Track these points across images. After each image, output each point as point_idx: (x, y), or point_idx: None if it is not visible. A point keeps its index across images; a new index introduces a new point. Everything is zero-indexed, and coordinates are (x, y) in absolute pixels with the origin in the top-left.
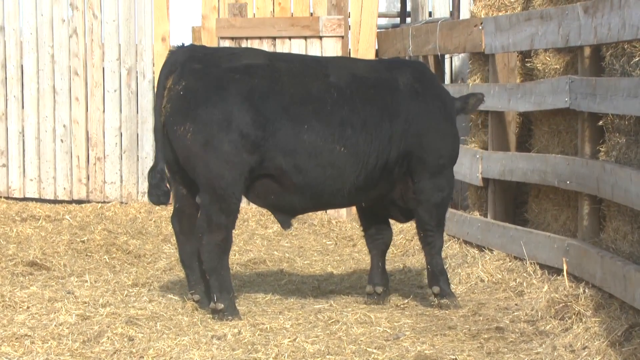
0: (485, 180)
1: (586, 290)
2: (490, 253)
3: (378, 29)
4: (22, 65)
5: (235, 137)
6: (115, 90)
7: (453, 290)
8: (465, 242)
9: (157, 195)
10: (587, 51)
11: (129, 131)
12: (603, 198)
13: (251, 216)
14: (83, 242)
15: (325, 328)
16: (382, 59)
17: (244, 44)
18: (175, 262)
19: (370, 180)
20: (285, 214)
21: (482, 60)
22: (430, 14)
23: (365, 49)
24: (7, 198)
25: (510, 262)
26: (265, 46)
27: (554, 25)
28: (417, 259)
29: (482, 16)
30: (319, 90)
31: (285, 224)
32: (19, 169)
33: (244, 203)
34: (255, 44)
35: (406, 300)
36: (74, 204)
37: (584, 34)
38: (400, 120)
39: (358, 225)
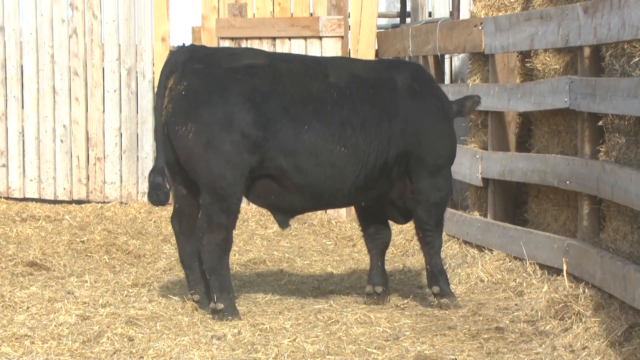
0: (485, 180)
1: (586, 291)
2: (490, 253)
3: (378, 29)
4: (22, 66)
5: (237, 137)
6: (115, 91)
7: (453, 291)
8: (465, 242)
9: (157, 195)
10: (586, 51)
11: (128, 131)
12: (603, 198)
13: (251, 216)
14: (83, 242)
15: (325, 328)
16: (381, 59)
17: (244, 44)
18: (175, 263)
19: (370, 180)
20: (285, 214)
21: (482, 60)
22: (430, 14)
23: (365, 49)
24: (7, 198)
25: (510, 262)
26: (265, 46)
27: (553, 25)
28: (416, 259)
29: (482, 16)
30: (319, 90)
31: (284, 224)
32: (19, 169)
33: (244, 203)
34: (255, 44)
35: (406, 301)
36: (73, 204)
37: (583, 34)
38: (399, 120)
39: (357, 226)
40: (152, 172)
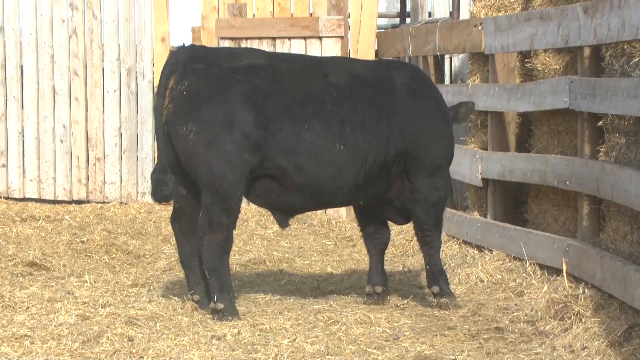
0: (485, 180)
1: (586, 291)
2: (489, 253)
3: (378, 29)
4: (21, 66)
5: (238, 137)
6: (115, 91)
7: (452, 291)
8: (465, 243)
9: (161, 190)
10: (586, 51)
11: (128, 131)
12: (603, 198)
13: (251, 216)
14: (83, 242)
15: (325, 328)
16: (380, 60)
17: (244, 44)
18: (175, 263)
19: (369, 179)
20: (285, 213)
21: (482, 60)
22: (429, 14)
23: (364, 49)
24: (7, 198)
25: (509, 262)
26: (265, 46)
27: (553, 25)
28: (416, 259)
29: (482, 16)
30: (319, 90)
31: (284, 224)
32: (19, 169)
33: (244, 203)
34: (255, 45)
35: (406, 301)
36: (73, 204)
37: (583, 34)
38: (398, 120)
39: (357, 226)
40: (154, 171)
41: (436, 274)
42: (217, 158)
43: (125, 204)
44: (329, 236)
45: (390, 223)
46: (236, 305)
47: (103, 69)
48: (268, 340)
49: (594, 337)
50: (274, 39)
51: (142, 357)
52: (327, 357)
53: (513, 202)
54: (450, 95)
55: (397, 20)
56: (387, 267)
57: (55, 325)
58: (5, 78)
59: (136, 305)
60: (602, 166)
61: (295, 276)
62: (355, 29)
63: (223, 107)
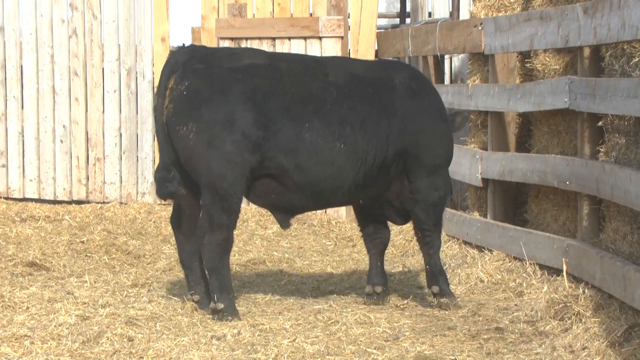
0: (485, 180)
1: (586, 291)
2: (489, 253)
3: (378, 29)
4: (21, 66)
5: (238, 137)
6: (114, 91)
7: (452, 291)
8: (465, 243)
9: (165, 187)
10: (586, 52)
11: (128, 132)
12: (602, 198)
13: (251, 217)
14: (82, 242)
15: (325, 328)
16: (379, 60)
17: (244, 45)
18: (175, 263)
19: (369, 178)
20: (285, 213)
21: (482, 60)
22: (429, 14)
23: (364, 49)
24: (7, 198)
25: (509, 262)
26: (265, 47)
27: (553, 25)
28: (416, 260)
29: (482, 17)
30: (319, 89)
31: (285, 224)
32: (19, 169)
33: (244, 204)
34: (254, 45)
35: (406, 301)
36: (73, 205)
37: (583, 34)
38: (397, 119)
39: (357, 226)
40: (158, 170)
41: (436, 274)
42: (218, 158)
43: (125, 204)
44: (329, 236)
45: (390, 223)
46: (236, 305)
47: (103, 69)
48: (268, 340)
49: (594, 337)
50: (273, 39)
51: (142, 358)
52: (327, 357)
53: (513, 202)
54: (450, 95)
55: (397, 21)
56: (387, 267)
57: (55, 326)
58: (5, 78)
59: (136, 305)
60: (602, 166)
61: (295, 276)
62: (355, 29)
63: (223, 107)
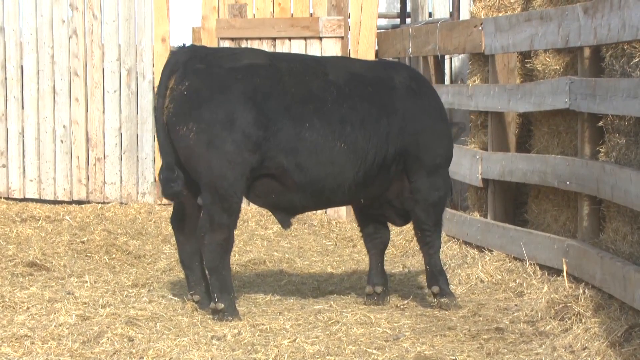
0: (485, 181)
1: (586, 291)
2: (490, 254)
3: (378, 29)
4: (22, 66)
5: (238, 136)
6: (115, 91)
7: (453, 291)
8: (465, 243)
9: (170, 187)
10: (586, 52)
11: (128, 132)
12: (603, 199)
13: (251, 217)
14: (83, 242)
15: (325, 329)
16: (378, 60)
17: (244, 45)
18: (175, 263)
19: (369, 177)
20: (285, 213)
21: (482, 60)
22: (430, 14)
23: (365, 49)
24: (7, 199)
25: (510, 262)
26: (265, 47)
27: (553, 25)
28: (416, 260)
29: (482, 17)
30: (319, 88)
31: (285, 224)
32: (19, 169)
33: (244, 204)
34: (255, 45)
35: (406, 301)
36: (73, 205)
37: (583, 34)
38: (397, 118)
39: (357, 226)
40: (162, 170)
41: (436, 274)
42: (218, 158)
43: (126, 204)
44: (329, 236)
45: (390, 224)
46: (236, 305)
47: (103, 69)
48: (268, 340)
49: (594, 337)
50: (274, 39)
51: (142, 358)
52: (328, 357)
53: (513, 202)
54: (450, 95)
55: (397, 21)
56: (387, 267)
57: (55, 326)
58: (6, 78)
59: (136, 305)
60: (602, 166)
61: (296, 276)
62: (355, 29)
63: (224, 106)
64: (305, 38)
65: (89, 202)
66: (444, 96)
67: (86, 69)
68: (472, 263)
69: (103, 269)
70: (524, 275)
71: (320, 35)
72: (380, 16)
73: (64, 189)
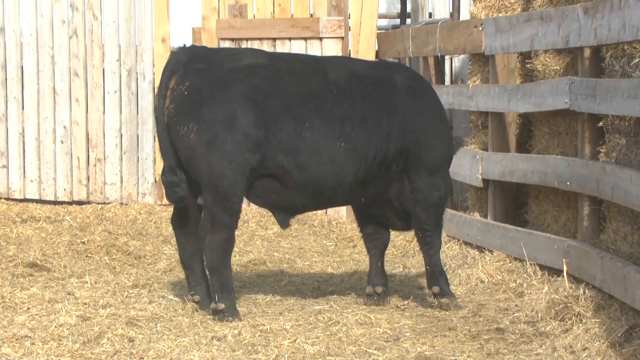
0: (485, 181)
1: (586, 291)
2: (490, 254)
3: (378, 30)
4: (22, 67)
5: (239, 136)
6: (115, 91)
7: (453, 291)
8: (466, 243)
9: (174, 192)
10: (587, 52)
11: (129, 132)
12: (603, 199)
13: (251, 217)
14: (83, 243)
15: (326, 329)
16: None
17: (244, 45)
18: (176, 263)
19: (369, 176)
20: (286, 213)
21: (482, 61)
22: (430, 15)
23: (365, 50)
24: (7, 199)
25: (510, 263)
26: (266, 47)
27: (554, 26)
28: (417, 260)
29: (482, 17)
30: (320, 87)
31: (284, 224)
32: (19, 170)
33: (245, 204)
34: (255, 45)
35: (406, 302)
36: (74, 205)
37: (584, 35)
38: (398, 117)
39: (357, 226)
40: (164, 172)
41: (436, 274)
42: (218, 158)
43: (126, 204)
44: (330, 237)
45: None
46: (237, 306)
47: (103, 69)
48: (269, 341)
49: (594, 337)
50: (274, 39)
51: (143, 358)
52: (328, 357)
53: (513, 202)
54: (450, 95)
55: (397, 21)
56: (388, 267)
57: (55, 326)
58: (6, 79)
59: (137, 306)
60: (603, 167)
61: (296, 277)
62: (355, 29)
63: (224, 106)
64: (305, 38)
65: (89, 202)
66: (444, 96)
67: (86, 70)
68: (473, 263)
69: (103, 269)
70: (524, 275)
71: (321, 36)
72: (381, 17)
73: (65, 190)
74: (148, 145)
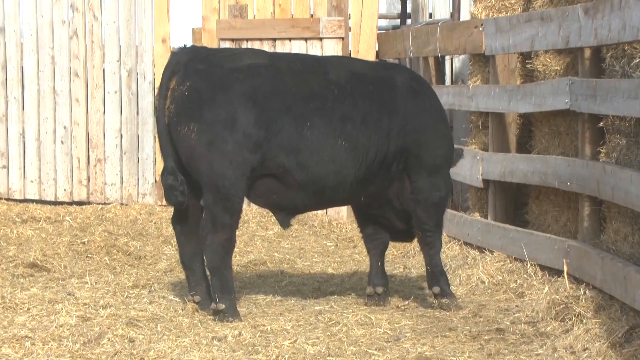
0: (486, 181)
1: (587, 292)
2: (490, 254)
3: (378, 30)
4: (22, 67)
5: (240, 136)
6: (115, 92)
7: (453, 292)
8: (466, 244)
9: (174, 196)
10: (587, 52)
11: (129, 132)
12: (603, 199)
13: (252, 217)
14: (83, 243)
15: (326, 329)
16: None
17: (244, 45)
18: (176, 264)
19: (370, 175)
20: (286, 212)
21: (483, 61)
22: (430, 15)
23: (365, 50)
24: (8, 199)
25: (510, 263)
26: (266, 48)
27: (554, 26)
28: (417, 261)
29: (483, 17)
30: (320, 87)
31: (285, 224)
32: (20, 170)
33: (245, 204)
34: (255, 46)
35: (407, 302)
36: (74, 206)
37: (584, 35)
38: (398, 116)
39: (357, 227)
40: (163, 174)
41: (437, 274)
42: (219, 158)
43: (126, 205)
44: (330, 237)
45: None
46: (237, 306)
47: (104, 70)
48: (269, 341)
49: (594, 338)
50: (274, 40)
51: (143, 358)
52: (328, 358)
53: (514, 203)
54: (451, 96)
55: (397, 22)
56: (388, 268)
57: (56, 327)
58: (6, 79)
59: (137, 306)
60: (603, 167)
61: (296, 277)
62: (355, 30)
63: (225, 107)
64: (305, 39)
65: (89, 203)
66: (445, 97)
67: (87, 70)
68: (473, 264)
69: (104, 270)
70: (525, 276)
71: (321, 36)
72: (381, 17)
73: (65, 190)
74: (148, 146)
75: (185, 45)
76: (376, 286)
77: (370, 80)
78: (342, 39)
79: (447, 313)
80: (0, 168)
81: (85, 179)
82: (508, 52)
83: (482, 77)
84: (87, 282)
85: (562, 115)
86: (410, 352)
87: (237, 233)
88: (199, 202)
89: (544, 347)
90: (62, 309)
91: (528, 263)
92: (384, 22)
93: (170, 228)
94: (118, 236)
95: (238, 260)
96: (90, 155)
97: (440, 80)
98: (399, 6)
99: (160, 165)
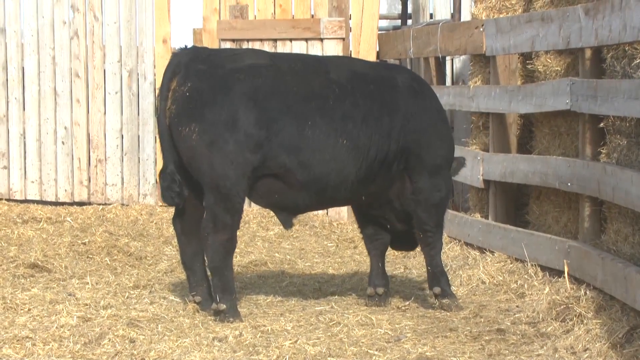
0: (486, 182)
1: (587, 292)
2: (491, 255)
3: (379, 30)
4: (23, 67)
5: (241, 136)
6: (116, 92)
7: (454, 292)
8: (467, 244)
9: (170, 197)
10: (588, 53)
11: (130, 133)
12: (604, 200)
13: (252, 218)
14: (84, 244)
15: (327, 330)
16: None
17: (245, 46)
18: (177, 264)
19: (371, 174)
20: (288, 212)
21: (483, 62)
22: (431, 15)
23: (366, 50)
24: (8, 200)
25: (511, 264)
26: (266, 48)
27: (554, 27)
28: (418, 261)
29: (483, 18)
30: (321, 86)
31: (287, 224)
32: (20, 171)
33: (245, 205)
34: (256, 46)
35: (407, 302)
36: (75, 206)
37: (584, 35)
38: (399, 116)
39: (357, 227)
40: (162, 174)
41: (437, 275)
42: (220, 158)
43: (127, 205)
44: (331, 238)
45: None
46: (238, 306)
47: (104, 70)
48: (269, 341)
49: (595, 338)
50: (275, 40)
51: (144, 359)
52: (329, 358)
53: (514, 203)
54: (451, 96)
55: (398, 22)
56: (389, 268)
57: (56, 327)
58: (7, 80)
59: (138, 306)
60: (604, 168)
61: (297, 278)
62: (356, 30)
63: (226, 107)
64: (306, 39)
65: (90, 203)
66: (445, 97)
67: (87, 71)
68: (474, 264)
69: (104, 270)
70: (525, 276)
71: (322, 37)
72: (382, 17)
73: (65, 191)
74: (149, 146)
75: (186, 46)
76: (377, 287)
77: (371, 79)
78: (343, 39)
79: (448, 313)
80: (1, 169)
81: (86, 180)
82: (509, 53)
83: (483, 77)
84: (87, 283)
85: (563, 115)
86: (410, 353)
87: (238, 233)
88: (200, 203)
89: (545, 347)
90: (62, 309)
91: (529, 263)
92: (384, 23)
93: (171, 228)
94: (119, 237)
95: (239, 260)
96: (91, 155)
97: (441, 80)
98: (399, 7)
99: (161, 166)
